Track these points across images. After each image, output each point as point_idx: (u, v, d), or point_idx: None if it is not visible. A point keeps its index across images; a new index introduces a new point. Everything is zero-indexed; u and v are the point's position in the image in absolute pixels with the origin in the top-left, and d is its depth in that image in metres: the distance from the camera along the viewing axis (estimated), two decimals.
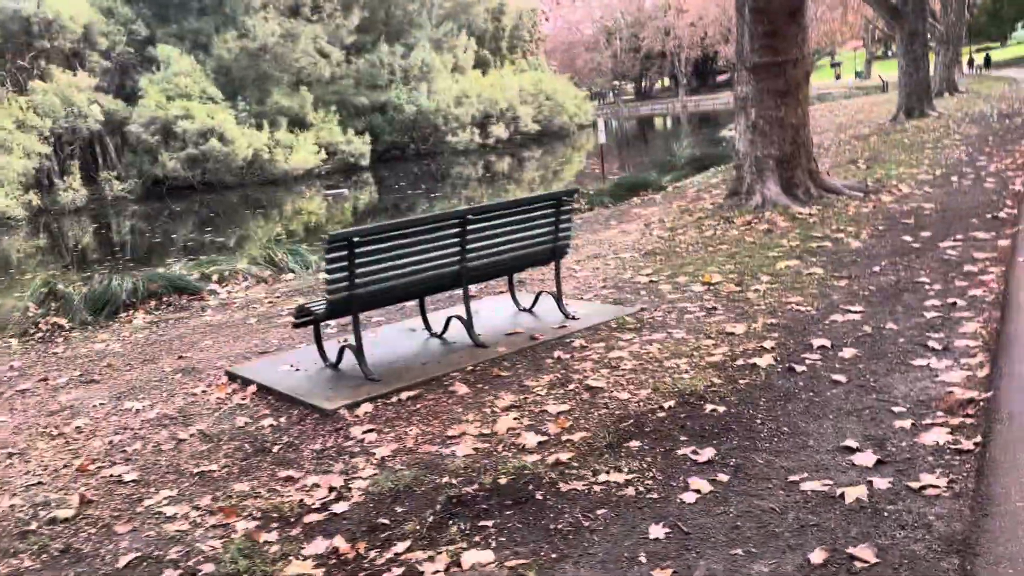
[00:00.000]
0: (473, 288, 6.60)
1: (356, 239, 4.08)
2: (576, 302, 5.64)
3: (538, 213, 5.00)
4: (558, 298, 5.28)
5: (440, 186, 33.12)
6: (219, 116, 32.59)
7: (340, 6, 40.23)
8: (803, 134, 8.49)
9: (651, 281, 6.07)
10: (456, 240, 4.58)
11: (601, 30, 77.45)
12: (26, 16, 30.48)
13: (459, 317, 4.85)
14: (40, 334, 6.84)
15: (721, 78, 76.38)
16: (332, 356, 4.66)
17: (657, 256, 6.98)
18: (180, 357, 5.53)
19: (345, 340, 4.73)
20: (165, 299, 7.80)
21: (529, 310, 5.46)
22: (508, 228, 4.85)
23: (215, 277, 8.53)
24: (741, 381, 3.76)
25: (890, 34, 26.11)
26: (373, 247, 4.20)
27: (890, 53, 62.59)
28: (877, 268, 5.66)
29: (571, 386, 3.95)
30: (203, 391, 4.60)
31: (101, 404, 4.61)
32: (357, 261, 4.15)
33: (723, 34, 62.15)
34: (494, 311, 5.58)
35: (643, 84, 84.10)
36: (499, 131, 44.45)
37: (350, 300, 4.21)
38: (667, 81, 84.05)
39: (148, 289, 7.82)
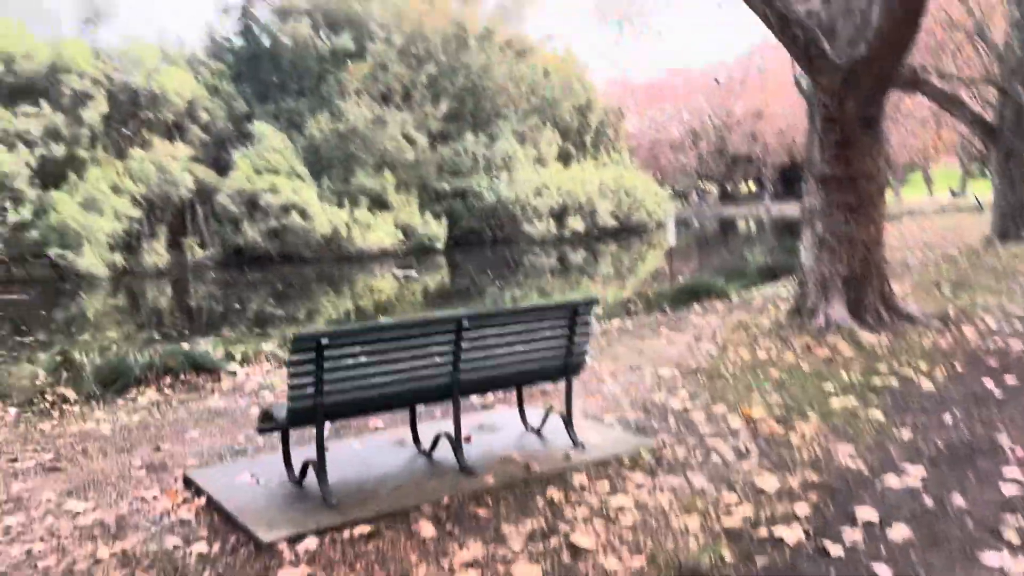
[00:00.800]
0: (488, 396, 6.03)
1: (325, 341, 3.59)
2: (592, 424, 4.99)
3: (548, 324, 4.45)
4: (567, 421, 4.66)
5: (512, 274, 33.02)
6: (303, 192, 33.48)
7: (430, 95, 41.45)
8: (876, 253, 7.75)
9: (685, 408, 5.39)
10: (449, 348, 4.05)
11: (688, 131, 77.86)
12: (135, 88, 32.28)
13: (448, 435, 4.27)
14: (42, 405, 6.55)
15: None
16: (299, 468, 4.13)
17: (699, 376, 6.28)
18: (158, 448, 5.10)
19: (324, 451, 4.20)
20: (181, 376, 7.47)
21: (537, 431, 4.84)
22: (512, 338, 4.31)
23: (239, 356, 8.21)
24: (759, 560, 3.04)
25: (985, 152, 25.03)
26: (345, 351, 3.71)
27: (987, 172, 60.77)
28: (949, 419, 4.84)
29: (553, 541, 3.30)
30: (154, 496, 4.11)
31: (48, 500, 4.17)
32: (326, 366, 3.65)
33: None
34: (497, 427, 4.98)
35: (728, 186, 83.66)
36: (576, 224, 44.41)
37: (314, 409, 3.70)
38: (752, 185, 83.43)
39: (165, 364, 7.51)
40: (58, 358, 7.28)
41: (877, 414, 4.97)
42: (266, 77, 40.13)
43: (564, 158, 49.82)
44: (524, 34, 48.05)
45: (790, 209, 65.40)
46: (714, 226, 63.27)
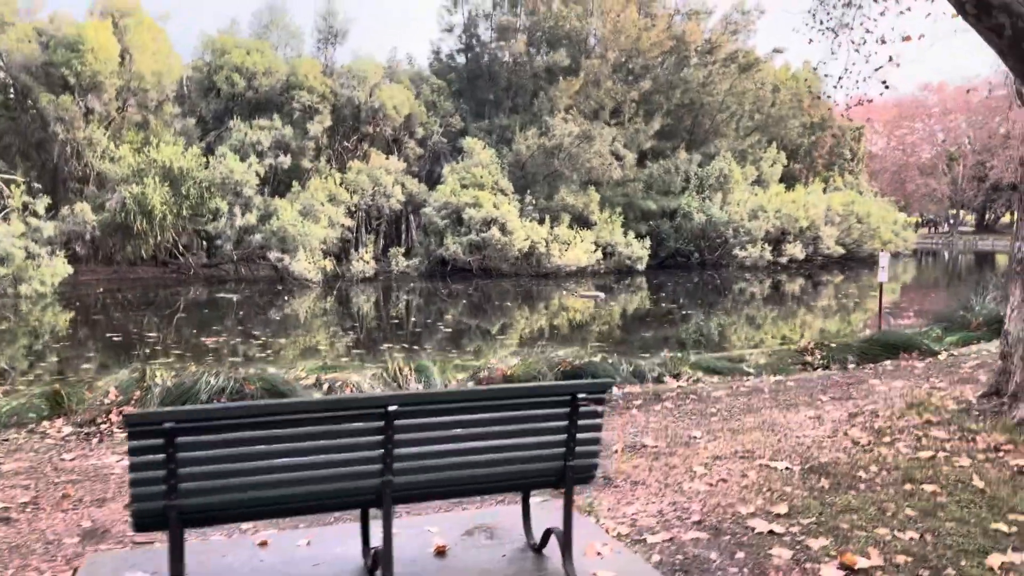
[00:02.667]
0: None
1: (173, 425, 2.67)
2: (618, 549, 3.67)
3: (537, 413, 3.23)
4: (565, 549, 3.38)
5: (720, 299, 30.98)
6: (504, 207, 33.53)
7: (643, 112, 40.17)
8: None
9: (772, 532, 3.90)
10: (377, 441, 2.98)
11: (941, 154, 70.19)
12: (357, 104, 34.00)
13: (376, 552, 3.19)
14: (95, 427, 6.28)
15: None
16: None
17: (820, 479, 4.68)
18: (127, 506, 4.47)
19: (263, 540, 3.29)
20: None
21: (538, 549, 3.60)
22: (476, 432, 3.14)
23: (325, 386, 7.63)
24: None
25: None
26: (208, 438, 2.76)
27: None
28: None
29: None
30: None
31: None
32: (180, 456, 2.73)
33: None
34: (495, 533, 3.80)
35: (987, 216, 74.31)
36: (794, 250, 40.97)
37: (163, 513, 2.78)
38: (1016, 214, 73.34)
39: (239, 389, 7.07)
40: (134, 375, 7.05)
41: None
42: (482, 94, 40.91)
43: (790, 180, 46.40)
44: (749, 48, 45.25)
45: None
46: (967, 259, 56.28)
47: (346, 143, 34.71)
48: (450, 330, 21.58)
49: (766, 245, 40.37)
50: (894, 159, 72.74)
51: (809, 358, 10.50)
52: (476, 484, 3.20)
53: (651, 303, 31.68)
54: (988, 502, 4.24)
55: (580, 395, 3.21)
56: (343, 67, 35.08)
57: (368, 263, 32.18)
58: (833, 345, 10.67)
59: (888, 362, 9.98)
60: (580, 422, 3.25)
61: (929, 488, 4.45)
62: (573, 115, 37.58)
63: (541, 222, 34.98)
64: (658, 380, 8.76)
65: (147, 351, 16.52)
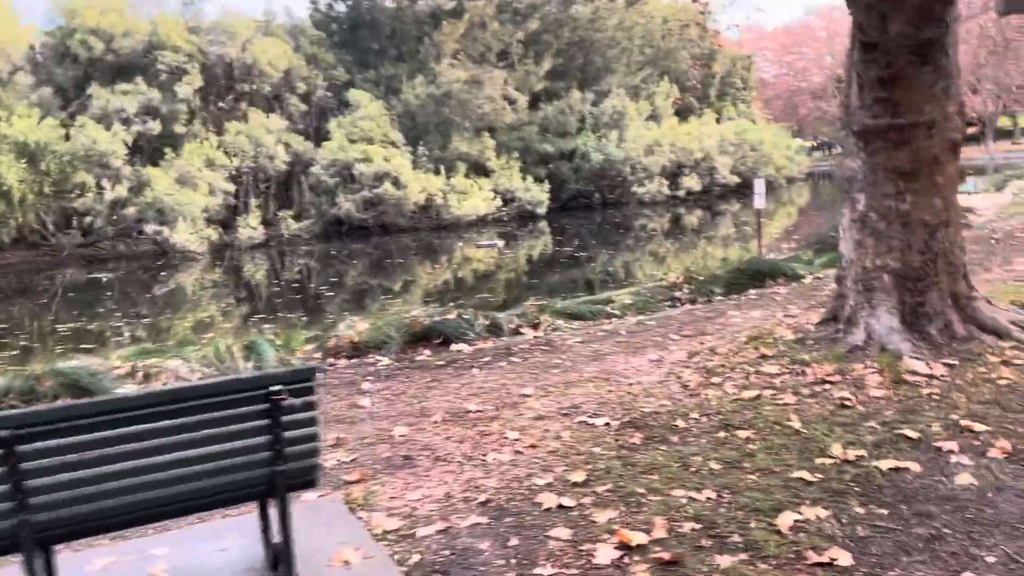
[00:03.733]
0: None
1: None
2: (370, 552, 3.18)
3: (228, 415, 2.66)
4: (287, 569, 2.85)
5: (623, 239, 31.00)
6: (395, 160, 32.49)
7: (532, 53, 39.37)
8: (944, 238, 5.35)
9: (560, 507, 3.48)
10: (2, 474, 2.37)
11: (830, 77, 71.71)
12: (228, 61, 32.16)
13: None
14: None
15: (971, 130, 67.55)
16: None
17: (634, 435, 4.30)
18: None
19: None
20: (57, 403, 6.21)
21: (275, 566, 3.06)
22: (138, 447, 2.55)
23: (140, 374, 6.90)
24: None
25: None
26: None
27: None
28: (996, 555, 2.71)
29: None
30: None
31: None
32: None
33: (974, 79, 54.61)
34: (219, 556, 3.25)
35: None
36: (691, 183, 41.31)
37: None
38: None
39: (28, 389, 6.28)
40: None
41: (869, 541, 2.88)
42: (366, 44, 39.31)
43: (684, 113, 46.52)
44: None
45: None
46: None
47: (221, 104, 32.86)
48: (347, 295, 20.91)
49: (663, 180, 40.50)
50: (786, 85, 74.09)
51: (678, 293, 10.24)
52: (158, 508, 2.63)
53: (555, 247, 31.48)
54: (801, 445, 3.92)
55: (277, 388, 2.65)
56: (211, 24, 33.01)
57: (256, 229, 30.79)
58: (701, 278, 10.44)
59: (754, 291, 9.79)
60: (284, 419, 2.70)
61: (743, 435, 4.11)
62: (461, 60, 36.51)
63: (437, 173, 34.11)
64: (516, 332, 8.31)
65: (23, 343, 15.24)
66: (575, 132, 40.17)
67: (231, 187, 30.49)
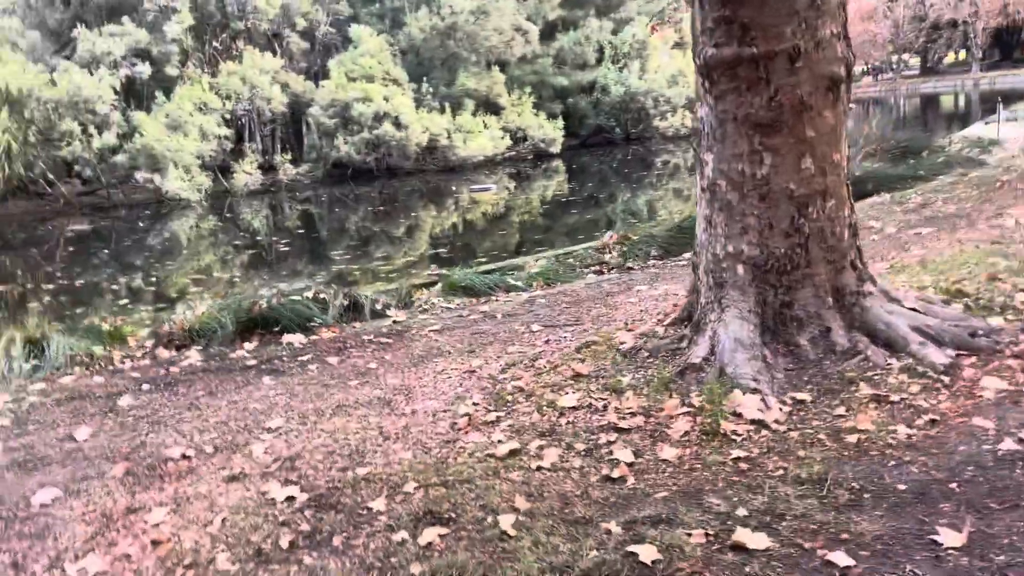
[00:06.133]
0: None
1: None
2: None
3: None
4: None
5: (647, 175, 29.36)
6: (396, 99, 30.93)
7: None
8: (819, 212, 3.86)
9: None
10: None
11: None
12: None
13: None
14: None
15: None
16: None
17: (302, 524, 3.03)
18: None
19: None
20: None
21: None
22: None
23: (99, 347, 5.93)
24: None
25: None
26: None
27: None
28: None
29: None
30: None
31: None
32: None
33: None
34: None
35: (929, 58, 72.07)
36: None
37: None
38: (961, 54, 71.32)
39: None
40: None
41: None
42: None
43: None
44: None
45: (1006, 79, 54.51)
46: (912, 104, 54.40)
47: (216, 44, 31.55)
48: (351, 241, 20.07)
49: (687, 112, 38.14)
50: None
51: (607, 257, 8.83)
52: None
53: (573, 186, 30.00)
54: (485, 570, 2.59)
55: None
56: None
57: (252, 175, 29.75)
58: (635, 238, 8.98)
59: (688, 254, 8.33)
60: None
61: (430, 536, 2.79)
62: None
63: (442, 111, 32.49)
64: (379, 314, 7.05)
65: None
66: (594, 64, 37.95)
67: (226, 131, 29.37)
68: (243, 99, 29.87)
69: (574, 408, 3.73)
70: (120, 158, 27.13)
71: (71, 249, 20.96)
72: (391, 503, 3.08)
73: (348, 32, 33.60)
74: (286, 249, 20.24)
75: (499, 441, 3.48)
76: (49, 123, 26.32)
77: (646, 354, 4.18)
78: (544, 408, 3.77)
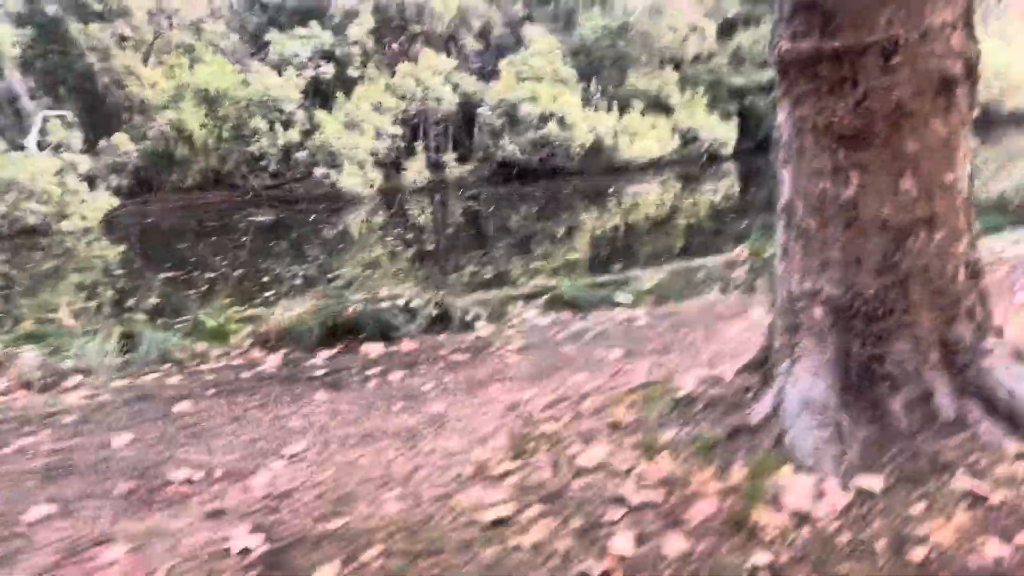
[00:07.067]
0: None
1: None
2: None
3: None
4: None
5: None
6: (562, 98, 30.65)
7: None
8: (926, 245, 3.03)
9: None
10: None
11: None
12: (400, 1, 31.75)
13: None
14: None
15: None
16: None
17: None
18: None
19: None
20: None
21: None
22: None
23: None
24: None
25: None
26: None
27: None
28: None
29: None
30: None
31: None
32: None
33: None
34: None
35: None
36: None
37: None
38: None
39: None
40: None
41: None
42: None
43: None
44: None
45: None
46: None
47: (395, 45, 32.67)
48: (512, 240, 20.42)
49: None
50: None
51: (735, 273, 8.02)
52: None
53: (746, 190, 28.71)
54: None
55: None
56: None
57: (420, 173, 30.54)
58: (765, 255, 8.06)
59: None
60: None
61: None
62: None
63: (609, 111, 31.88)
64: (467, 326, 6.69)
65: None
66: None
67: (399, 130, 30.32)
68: (416, 99, 30.70)
69: (594, 468, 3.15)
70: (301, 154, 28.70)
71: (254, 238, 22.42)
72: (342, 570, 2.67)
73: (522, 33, 33.74)
74: (450, 245, 20.70)
75: (493, 504, 2.98)
76: (241, 120, 28.26)
77: (701, 405, 3.51)
78: (561, 464, 3.23)
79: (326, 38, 30.24)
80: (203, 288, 15.59)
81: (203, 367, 6.06)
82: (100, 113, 28.21)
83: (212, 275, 16.63)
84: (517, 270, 15.60)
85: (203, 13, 30.57)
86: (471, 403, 4.47)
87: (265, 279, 16.22)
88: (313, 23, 30.40)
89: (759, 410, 3.26)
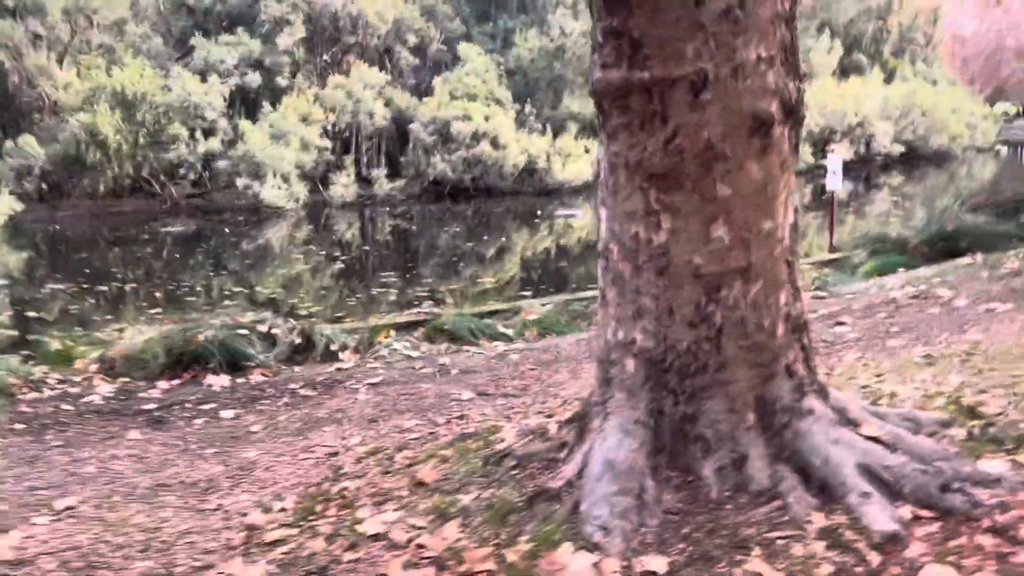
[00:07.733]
0: None
1: None
2: None
3: None
4: None
5: None
6: (496, 119, 30.49)
7: None
8: (742, 297, 2.78)
9: None
10: None
11: None
12: (333, 11, 31.26)
13: None
14: None
15: None
16: None
17: None
18: None
19: None
20: None
21: None
22: None
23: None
24: None
25: None
26: None
27: None
28: None
29: None
30: None
31: None
32: None
33: None
34: None
35: None
36: (841, 150, 36.40)
37: None
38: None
39: None
40: None
41: None
42: None
43: (852, 72, 41.08)
44: None
45: None
46: None
47: (326, 57, 32.11)
48: (439, 259, 20.03)
49: (809, 147, 35.87)
50: (988, 43, 64.87)
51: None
52: None
53: None
54: None
55: None
56: None
57: (348, 188, 29.94)
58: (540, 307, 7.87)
59: None
60: None
61: None
62: (579, 9, 33.68)
63: (543, 133, 31.83)
64: (332, 355, 6.29)
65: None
66: None
67: (326, 143, 29.72)
68: (346, 112, 30.16)
69: (374, 537, 2.79)
70: (222, 164, 27.86)
71: (169, 249, 21.64)
72: None
73: (457, 51, 33.52)
74: (375, 262, 20.28)
75: None
76: (159, 126, 27.32)
77: (513, 463, 3.19)
78: (340, 532, 2.86)
79: (255, 46, 29.52)
80: (96, 302, 14.80)
81: (30, 395, 5.52)
82: (9, 113, 26.96)
83: (106, 288, 15.81)
84: (443, 293, 15.25)
85: (125, 14, 29.55)
86: (291, 448, 4.08)
87: (175, 292, 15.51)
88: (241, 30, 29.66)
89: (565, 472, 2.95)
